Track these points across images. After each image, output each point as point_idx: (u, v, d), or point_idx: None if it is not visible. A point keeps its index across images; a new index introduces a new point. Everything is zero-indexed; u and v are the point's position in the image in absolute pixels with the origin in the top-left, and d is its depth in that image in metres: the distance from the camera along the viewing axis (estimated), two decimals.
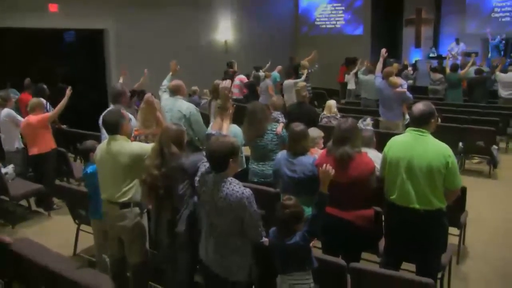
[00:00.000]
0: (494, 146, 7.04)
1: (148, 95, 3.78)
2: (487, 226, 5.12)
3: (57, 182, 5.48)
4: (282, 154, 3.77)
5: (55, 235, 5.07)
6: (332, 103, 7.21)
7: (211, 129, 3.24)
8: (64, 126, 7.37)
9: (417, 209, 3.07)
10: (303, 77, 9.82)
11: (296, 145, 3.65)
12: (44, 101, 6.57)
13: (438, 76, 10.82)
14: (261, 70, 10.71)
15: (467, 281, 4.12)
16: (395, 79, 6.85)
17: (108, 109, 4.16)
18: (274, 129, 4.47)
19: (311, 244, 2.83)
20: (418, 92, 10.84)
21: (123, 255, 3.57)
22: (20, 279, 3.60)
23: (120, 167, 3.33)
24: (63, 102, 5.70)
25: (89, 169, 3.80)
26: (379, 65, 7.22)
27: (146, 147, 3.34)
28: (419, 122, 3.14)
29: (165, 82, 5.69)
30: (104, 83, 9.96)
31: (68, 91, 5.72)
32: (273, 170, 3.94)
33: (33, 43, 8.44)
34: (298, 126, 3.72)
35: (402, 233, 3.21)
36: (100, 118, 4.62)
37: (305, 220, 2.84)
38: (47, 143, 5.66)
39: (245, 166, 4.56)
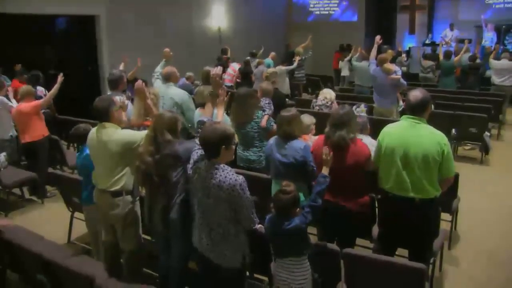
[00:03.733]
0: (486, 133, 7.09)
1: (138, 83, 3.69)
2: (479, 212, 5.17)
3: (50, 169, 5.44)
4: (273, 139, 3.78)
5: (49, 223, 5.06)
6: (328, 92, 7.17)
7: (203, 116, 3.20)
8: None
9: (413, 198, 3.07)
10: (295, 64, 9.78)
11: (281, 128, 3.64)
12: (42, 88, 6.53)
13: (429, 63, 10.78)
14: (256, 57, 10.66)
15: (459, 266, 4.17)
16: (389, 66, 6.84)
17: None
18: (255, 117, 4.43)
19: None
20: (411, 79, 10.85)
21: (117, 242, 3.57)
22: (14, 267, 3.60)
23: (110, 155, 3.30)
24: (55, 89, 5.66)
25: (85, 152, 3.71)
26: (373, 52, 7.21)
27: (137, 135, 3.31)
28: (416, 109, 3.11)
29: (158, 69, 5.66)
30: (96, 70, 9.86)
31: (60, 78, 5.67)
32: (265, 155, 3.95)
33: (24, 30, 8.31)
34: (287, 111, 3.72)
35: (396, 222, 3.22)
36: None
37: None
38: (39, 131, 5.62)
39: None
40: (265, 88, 5.31)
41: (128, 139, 3.30)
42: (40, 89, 6.81)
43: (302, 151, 3.51)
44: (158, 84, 5.37)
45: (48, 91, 5.91)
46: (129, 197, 3.42)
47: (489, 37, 12.98)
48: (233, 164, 4.28)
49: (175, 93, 5.08)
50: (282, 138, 3.63)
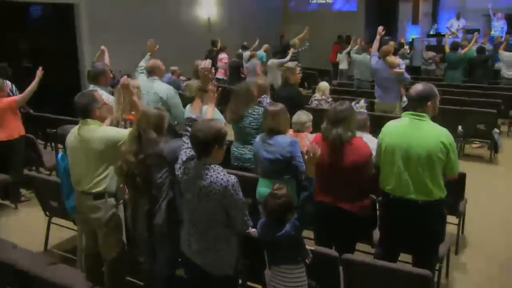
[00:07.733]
0: (496, 130, 7.10)
1: (123, 78, 3.75)
2: (488, 215, 5.19)
3: (25, 171, 5.40)
4: (260, 136, 3.81)
5: (23, 229, 5.02)
6: (324, 85, 7.23)
7: (191, 112, 3.20)
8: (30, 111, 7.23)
9: (416, 200, 3.08)
10: (288, 57, 9.80)
11: (266, 123, 3.72)
12: (8, 82, 6.44)
13: (430, 54, 10.79)
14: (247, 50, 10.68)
15: (467, 272, 4.19)
16: (393, 59, 6.86)
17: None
18: (255, 113, 4.46)
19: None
20: (414, 72, 10.90)
21: (98, 250, 3.55)
22: None
23: (93, 154, 3.29)
24: (34, 84, 5.55)
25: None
26: (376, 44, 7.23)
27: (122, 132, 3.31)
28: (417, 104, 3.12)
29: (142, 63, 5.64)
30: (75, 63, 9.81)
31: (39, 72, 5.59)
32: (253, 153, 3.97)
33: None
34: (274, 106, 3.77)
35: (398, 225, 3.23)
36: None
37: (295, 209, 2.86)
38: (15, 129, 5.55)
39: None
40: (262, 85, 5.14)
41: (112, 136, 3.29)
42: (7, 84, 6.71)
43: (288, 146, 3.55)
44: (142, 79, 5.36)
45: (20, 85, 5.82)
46: (112, 200, 3.41)
47: (498, 26, 12.97)
48: (226, 163, 4.30)
49: (160, 88, 5.06)
50: (268, 133, 3.67)
